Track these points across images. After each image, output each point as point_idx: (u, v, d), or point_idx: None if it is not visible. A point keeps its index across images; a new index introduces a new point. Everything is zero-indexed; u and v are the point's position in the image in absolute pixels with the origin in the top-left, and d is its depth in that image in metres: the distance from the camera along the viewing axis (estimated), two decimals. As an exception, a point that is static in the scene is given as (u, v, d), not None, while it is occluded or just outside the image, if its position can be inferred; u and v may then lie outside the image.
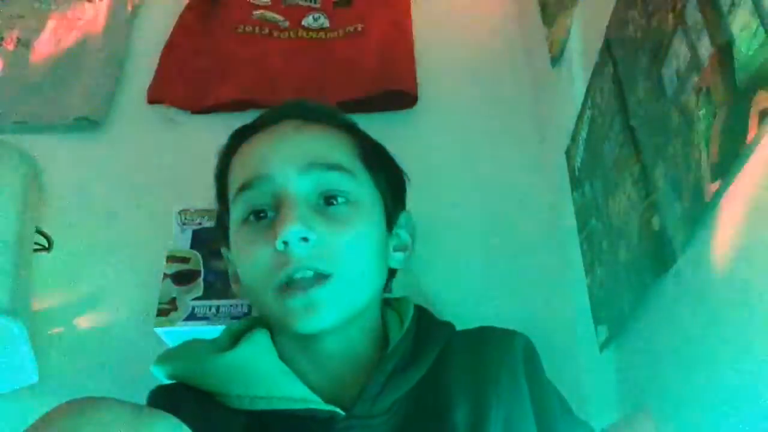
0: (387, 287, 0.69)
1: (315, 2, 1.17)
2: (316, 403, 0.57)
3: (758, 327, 0.45)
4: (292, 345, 0.62)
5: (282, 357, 0.61)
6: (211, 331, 0.75)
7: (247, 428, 0.57)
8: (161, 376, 0.63)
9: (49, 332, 0.85)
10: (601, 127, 0.73)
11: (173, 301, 0.77)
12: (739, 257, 0.47)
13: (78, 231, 0.93)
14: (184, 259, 0.81)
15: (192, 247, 0.82)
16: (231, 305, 0.77)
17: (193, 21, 1.14)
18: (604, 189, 0.72)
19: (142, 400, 0.61)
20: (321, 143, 0.64)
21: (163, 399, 0.59)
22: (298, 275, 0.58)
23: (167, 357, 0.64)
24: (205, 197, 0.91)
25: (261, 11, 1.15)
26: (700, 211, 0.50)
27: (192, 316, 0.76)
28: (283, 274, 0.58)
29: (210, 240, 0.81)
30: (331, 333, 0.60)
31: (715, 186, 0.48)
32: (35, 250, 0.87)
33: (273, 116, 0.68)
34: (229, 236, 0.66)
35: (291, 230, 0.57)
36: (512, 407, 0.59)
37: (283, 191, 0.60)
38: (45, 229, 0.88)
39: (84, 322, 0.87)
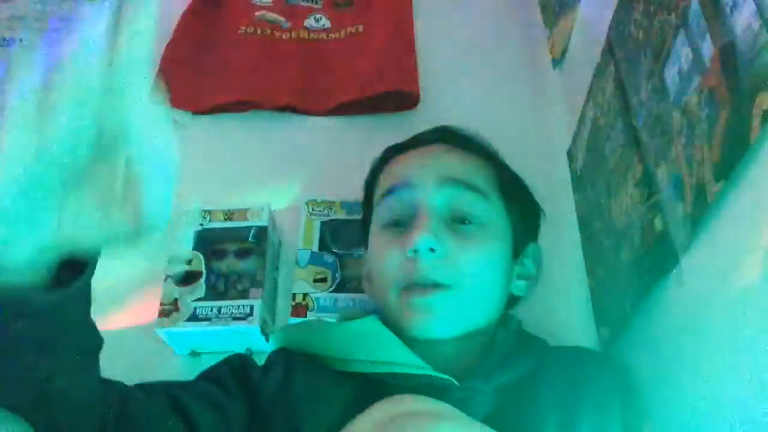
0: (507, 313, 0.72)
1: (317, 3, 1.17)
2: (433, 371, 0.61)
3: (760, 328, 0.45)
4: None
5: None
6: (213, 332, 0.75)
7: (360, 390, 0.61)
8: (278, 345, 0.69)
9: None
10: (603, 128, 0.73)
11: (175, 302, 0.77)
12: (741, 258, 0.47)
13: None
14: (186, 260, 0.81)
15: (194, 248, 0.81)
16: (232, 306, 0.77)
17: (195, 22, 1.13)
18: (606, 190, 0.72)
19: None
20: (462, 165, 0.70)
21: (283, 359, 0.65)
22: (419, 281, 0.63)
23: (287, 327, 0.70)
24: (205, 198, 0.91)
25: (263, 12, 1.15)
26: (703, 212, 0.50)
27: (194, 317, 0.76)
28: (407, 277, 0.64)
29: (212, 241, 0.81)
30: (448, 342, 0.64)
31: (717, 187, 0.48)
32: (37, 251, 0.86)
33: (425, 138, 0.74)
34: (369, 238, 0.72)
35: (422, 239, 0.62)
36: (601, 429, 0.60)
37: (420, 201, 0.66)
38: (46, 230, 0.88)
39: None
